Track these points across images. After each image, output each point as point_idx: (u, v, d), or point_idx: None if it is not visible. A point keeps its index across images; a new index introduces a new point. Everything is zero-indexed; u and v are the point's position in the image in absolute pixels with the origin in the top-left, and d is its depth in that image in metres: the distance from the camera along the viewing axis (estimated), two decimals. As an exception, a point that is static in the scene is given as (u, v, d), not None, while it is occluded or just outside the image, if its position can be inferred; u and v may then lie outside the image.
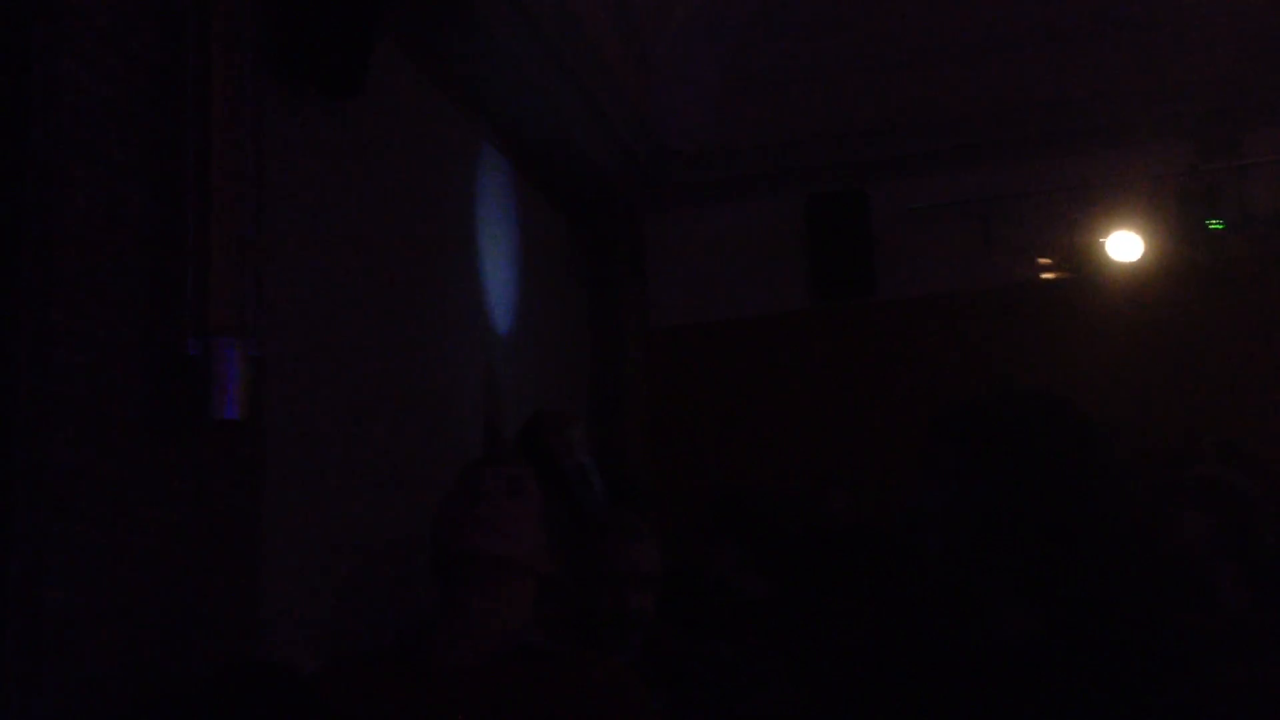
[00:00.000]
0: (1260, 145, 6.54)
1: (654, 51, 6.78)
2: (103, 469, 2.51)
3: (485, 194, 5.48)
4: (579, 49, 5.68)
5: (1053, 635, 1.59)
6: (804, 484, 5.86)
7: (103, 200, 2.58)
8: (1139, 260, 6.63)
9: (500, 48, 4.99)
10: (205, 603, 2.75)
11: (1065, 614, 1.60)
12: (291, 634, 3.41)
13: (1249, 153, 6.52)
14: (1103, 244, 6.64)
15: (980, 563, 1.64)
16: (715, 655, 2.84)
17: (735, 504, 4.00)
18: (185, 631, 2.67)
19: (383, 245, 4.30)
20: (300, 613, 3.51)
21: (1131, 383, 6.34)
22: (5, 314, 2.43)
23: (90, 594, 2.44)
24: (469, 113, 5.32)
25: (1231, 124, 6.56)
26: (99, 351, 2.53)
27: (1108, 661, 1.57)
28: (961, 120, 7.06)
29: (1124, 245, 6.62)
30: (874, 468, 6.46)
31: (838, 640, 3.48)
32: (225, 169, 2.78)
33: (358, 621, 3.79)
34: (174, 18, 2.81)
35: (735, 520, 3.91)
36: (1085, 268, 6.67)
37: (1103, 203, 6.65)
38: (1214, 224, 6.43)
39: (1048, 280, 6.76)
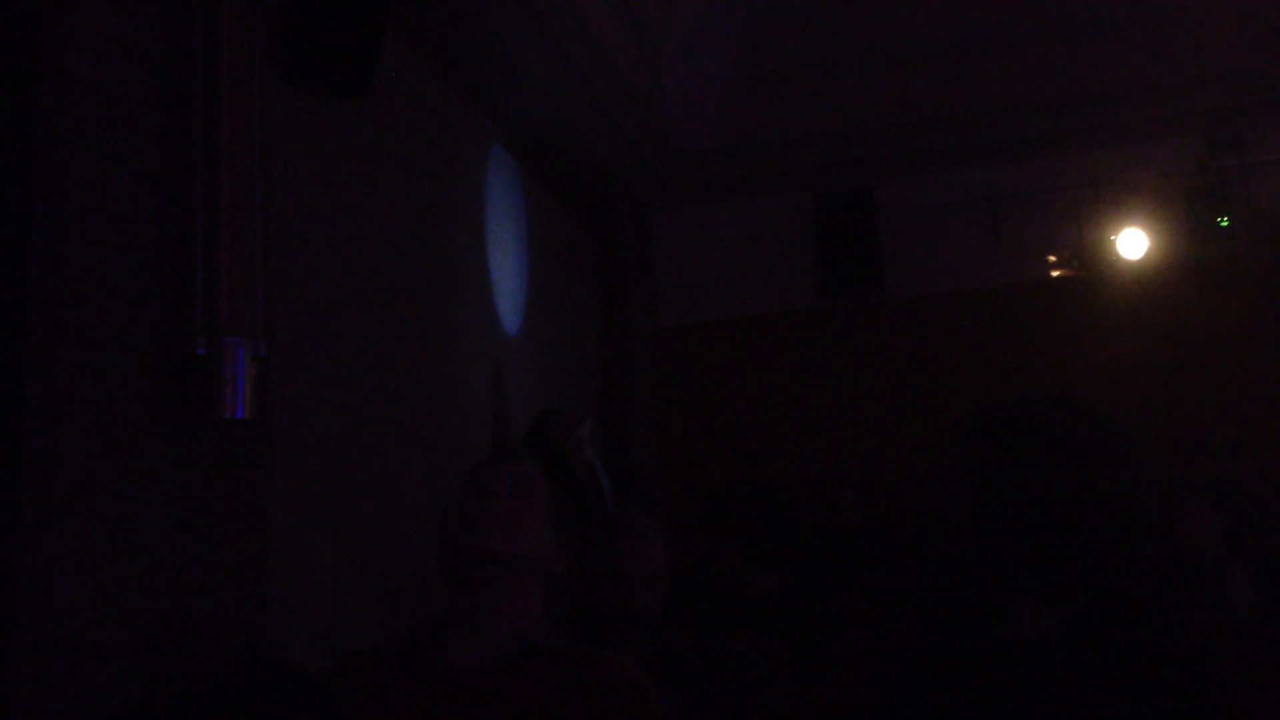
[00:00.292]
0: (1268, 142, 6.54)
1: (662, 50, 6.78)
2: (111, 468, 2.51)
3: (493, 193, 5.48)
4: (587, 48, 5.68)
5: (1070, 634, 1.60)
6: (812, 482, 5.86)
7: (111, 199, 2.59)
8: (1147, 257, 6.62)
9: (508, 47, 5.00)
10: (214, 601, 2.75)
11: (1083, 613, 1.61)
12: (300, 632, 3.42)
13: (1257, 150, 6.50)
14: (1111, 241, 6.62)
15: (1000, 562, 1.65)
16: (724, 653, 2.84)
17: (731, 500, 3.98)
18: (194, 629, 2.68)
19: (390, 244, 4.31)
20: (309, 611, 3.51)
21: (1140, 380, 6.33)
22: (14, 313, 2.43)
23: (99, 592, 2.45)
24: (477, 112, 5.33)
25: (1240, 121, 6.54)
26: (107, 350, 2.54)
27: (1122, 660, 1.57)
28: (969, 118, 7.05)
29: (1132, 242, 6.61)
30: (882, 465, 6.46)
31: (848, 637, 3.48)
32: (234, 168, 2.78)
33: (366, 620, 3.80)
34: (183, 17, 2.81)
35: (732, 516, 3.90)
36: (1093, 265, 6.66)
37: (1111, 200, 6.64)
38: (1222, 221, 6.41)
39: (1056, 278, 6.75)
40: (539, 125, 5.64)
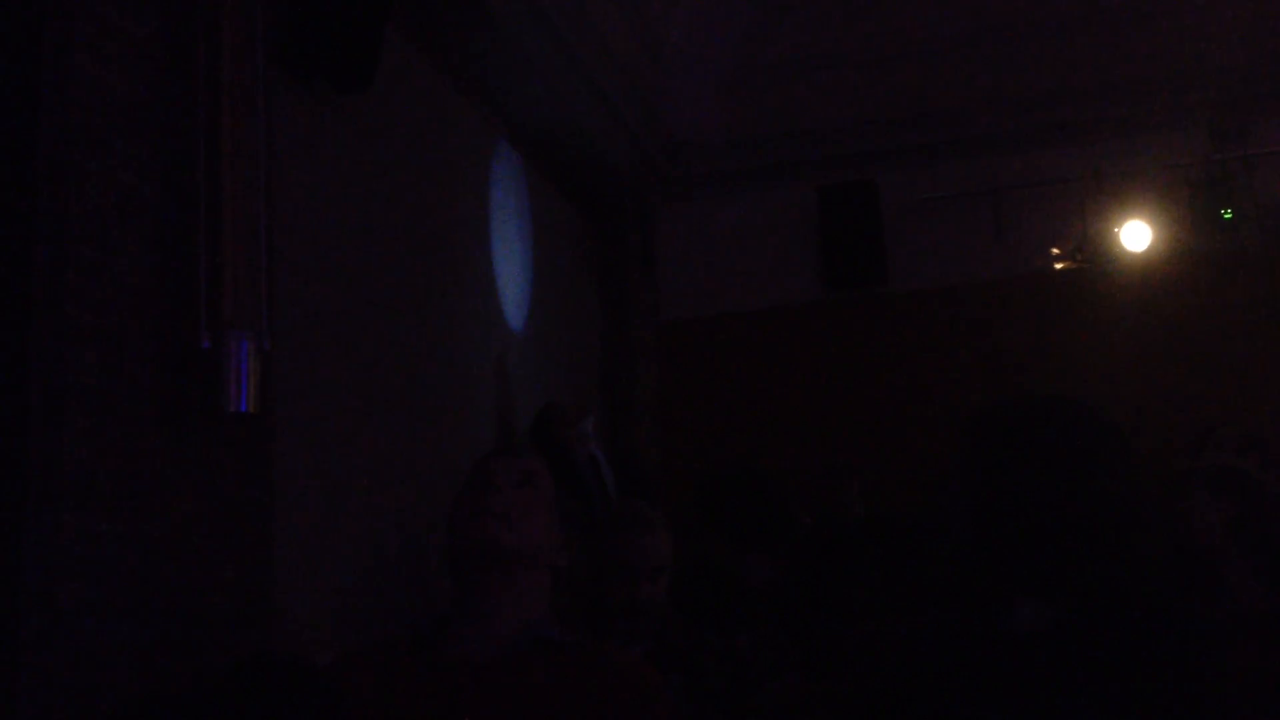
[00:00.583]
0: (1272, 134, 6.52)
1: (664, 44, 6.77)
2: (115, 462, 2.51)
3: (496, 187, 5.48)
4: (589, 42, 5.67)
5: (1067, 629, 1.62)
6: (816, 475, 5.86)
7: (114, 195, 2.59)
8: (1151, 249, 6.61)
9: (510, 41, 4.99)
10: (218, 595, 2.76)
11: (1080, 607, 1.63)
12: (305, 626, 3.43)
13: (1261, 141, 6.49)
14: (1115, 233, 6.61)
15: (998, 557, 1.67)
16: (728, 645, 2.85)
17: (718, 485, 3.94)
18: (198, 623, 2.68)
19: (394, 239, 4.31)
20: (313, 605, 3.52)
21: (1144, 372, 6.32)
22: (18, 308, 2.44)
23: (103, 586, 2.45)
24: (480, 106, 5.33)
25: (1243, 113, 6.53)
26: (111, 345, 2.54)
27: (1120, 654, 1.59)
28: (972, 110, 7.04)
29: (1136, 235, 6.59)
30: (886, 458, 6.46)
31: (851, 630, 3.47)
32: (236, 163, 2.78)
33: (371, 614, 3.80)
34: (185, 13, 2.81)
35: (720, 502, 3.87)
36: (1097, 257, 6.65)
37: (1115, 192, 6.62)
38: (1226, 213, 6.40)
39: (1059, 270, 6.74)
40: (542, 119, 5.64)
